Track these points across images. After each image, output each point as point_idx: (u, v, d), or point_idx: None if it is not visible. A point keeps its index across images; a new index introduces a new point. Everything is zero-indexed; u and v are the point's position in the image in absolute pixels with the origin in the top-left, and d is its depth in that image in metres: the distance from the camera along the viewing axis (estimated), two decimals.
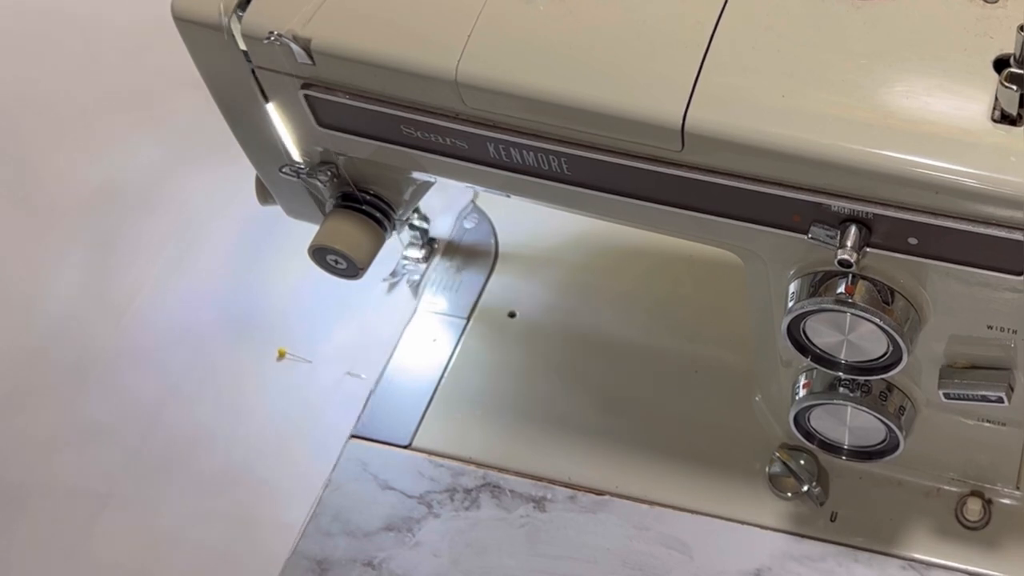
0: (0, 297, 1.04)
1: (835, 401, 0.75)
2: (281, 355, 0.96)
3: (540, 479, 0.88)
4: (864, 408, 0.74)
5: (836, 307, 0.66)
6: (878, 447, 0.79)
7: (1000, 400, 0.70)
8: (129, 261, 1.05)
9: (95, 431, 0.96)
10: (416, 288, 1.00)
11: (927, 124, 0.59)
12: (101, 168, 1.11)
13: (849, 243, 0.62)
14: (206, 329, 1.00)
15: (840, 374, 0.73)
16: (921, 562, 0.81)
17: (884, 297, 0.66)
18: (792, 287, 0.68)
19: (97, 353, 1.00)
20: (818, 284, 0.67)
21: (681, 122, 0.61)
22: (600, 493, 0.87)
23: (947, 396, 0.71)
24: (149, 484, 0.93)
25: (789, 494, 0.84)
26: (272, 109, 0.73)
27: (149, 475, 0.93)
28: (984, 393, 0.70)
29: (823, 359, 0.72)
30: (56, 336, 1.01)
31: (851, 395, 0.74)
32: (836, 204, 0.62)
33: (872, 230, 0.62)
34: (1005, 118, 0.58)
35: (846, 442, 0.79)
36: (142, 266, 1.05)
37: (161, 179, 1.10)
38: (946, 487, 0.83)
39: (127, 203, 1.08)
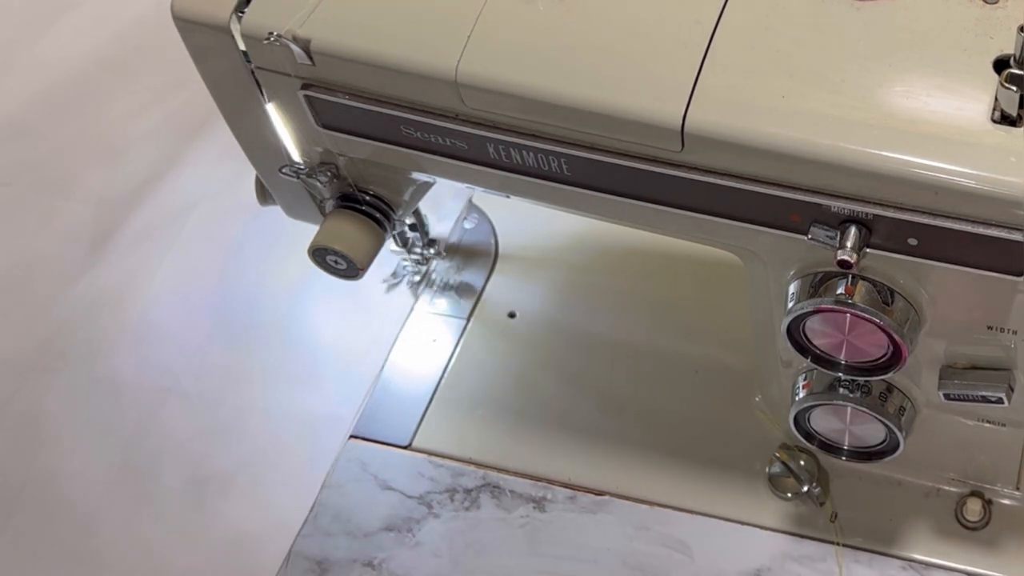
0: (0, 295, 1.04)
1: (835, 402, 0.75)
2: None
3: (540, 479, 0.88)
4: (864, 409, 0.74)
5: (836, 308, 0.66)
6: (878, 447, 0.79)
7: (1000, 400, 0.70)
8: (128, 260, 1.05)
9: (94, 427, 0.96)
10: (416, 288, 1.00)
11: (927, 124, 0.59)
12: (100, 167, 1.11)
13: (849, 244, 0.62)
14: (205, 329, 1.00)
15: (840, 375, 0.73)
16: (921, 562, 0.81)
17: (884, 297, 0.66)
18: (792, 287, 0.68)
19: (96, 351, 1.00)
20: (818, 284, 0.67)
21: (681, 122, 0.61)
22: (600, 493, 0.87)
23: (947, 397, 0.71)
24: (147, 483, 0.93)
25: (789, 494, 0.84)
26: (272, 109, 0.73)
27: (147, 474, 0.93)
28: (984, 393, 0.70)
29: (823, 359, 0.72)
30: (55, 333, 1.01)
31: (851, 396, 0.74)
32: (836, 204, 0.62)
33: (872, 231, 0.62)
34: (1005, 118, 0.58)
35: (846, 442, 0.79)
36: (140, 265, 1.05)
37: (160, 179, 1.10)
38: (946, 487, 0.83)
39: (126, 202, 1.08)
